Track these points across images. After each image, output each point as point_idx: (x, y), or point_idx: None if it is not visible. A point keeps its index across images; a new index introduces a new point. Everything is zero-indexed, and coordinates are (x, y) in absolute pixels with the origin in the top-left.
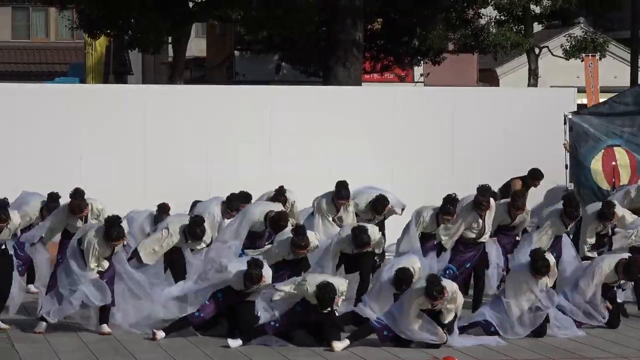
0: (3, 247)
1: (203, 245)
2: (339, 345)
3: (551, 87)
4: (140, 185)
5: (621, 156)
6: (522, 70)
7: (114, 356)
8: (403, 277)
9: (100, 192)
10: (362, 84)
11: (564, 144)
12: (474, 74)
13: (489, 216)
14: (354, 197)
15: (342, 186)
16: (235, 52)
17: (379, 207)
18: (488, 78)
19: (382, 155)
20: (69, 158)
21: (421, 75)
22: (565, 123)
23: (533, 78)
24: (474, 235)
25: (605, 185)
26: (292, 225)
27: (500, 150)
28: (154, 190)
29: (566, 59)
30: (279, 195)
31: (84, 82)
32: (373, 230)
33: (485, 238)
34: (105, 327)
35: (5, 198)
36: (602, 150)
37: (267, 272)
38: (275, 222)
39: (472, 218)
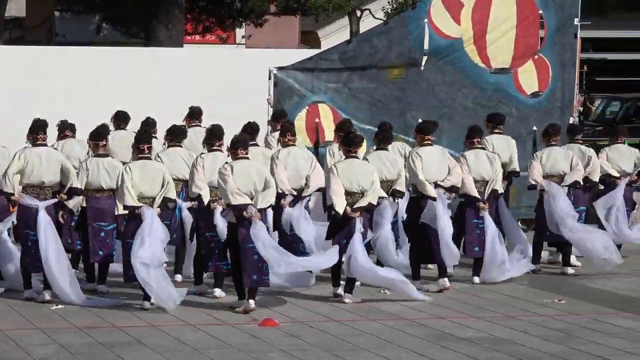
0: None
1: None
2: None
3: None
4: None
5: (325, 113)
6: (344, 32)
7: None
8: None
9: None
10: (184, 45)
11: (267, 99)
12: (296, 36)
13: None
14: None
15: None
16: (55, 12)
17: None
18: (310, 40)
19: None
20: None
21: (243, 37)
22: (270, 78)
23: None
24: None
25: (307, 143)
26: None
27: None
28: None
29: (386, 22)
30: None
31: None
32: None
33: None
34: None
35: None
36: (307, 107)
37: None
38: None
39: None
